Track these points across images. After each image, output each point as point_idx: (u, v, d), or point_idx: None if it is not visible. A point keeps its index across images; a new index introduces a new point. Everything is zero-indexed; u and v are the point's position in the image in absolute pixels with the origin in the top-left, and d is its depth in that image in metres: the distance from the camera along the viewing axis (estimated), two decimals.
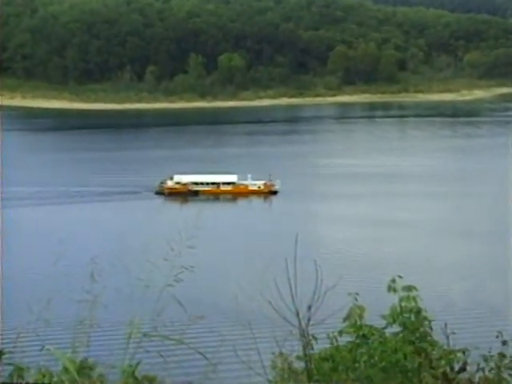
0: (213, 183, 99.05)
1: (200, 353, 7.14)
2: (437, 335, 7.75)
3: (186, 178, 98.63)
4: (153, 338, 6.78)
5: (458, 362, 7.59)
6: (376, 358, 7.49)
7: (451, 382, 7.52)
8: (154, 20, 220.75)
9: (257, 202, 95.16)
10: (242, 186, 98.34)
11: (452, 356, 7.56)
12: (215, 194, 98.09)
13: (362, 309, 7.74)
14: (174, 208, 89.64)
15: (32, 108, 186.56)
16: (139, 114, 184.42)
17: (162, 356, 7.52)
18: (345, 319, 7.74)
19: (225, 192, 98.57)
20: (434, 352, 7.56)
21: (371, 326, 7.67)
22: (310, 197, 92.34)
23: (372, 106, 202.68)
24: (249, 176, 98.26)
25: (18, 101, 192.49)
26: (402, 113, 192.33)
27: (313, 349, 7.60)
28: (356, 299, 7.78)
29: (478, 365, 7.73)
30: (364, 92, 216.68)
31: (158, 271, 8.37)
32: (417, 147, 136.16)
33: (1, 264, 41.57)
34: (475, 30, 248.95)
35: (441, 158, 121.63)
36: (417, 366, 7.47)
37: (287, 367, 8.06)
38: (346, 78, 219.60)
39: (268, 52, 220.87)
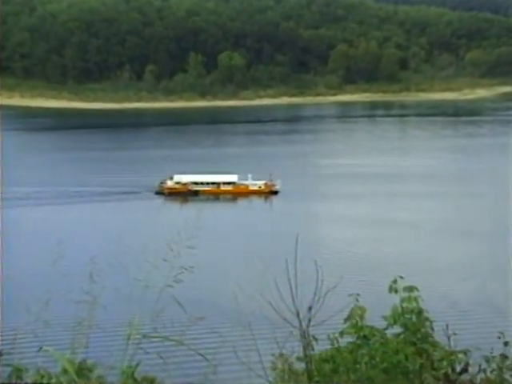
0: (213, 183, 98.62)
1: (200, 354, 7.10)
2: (438, 336, 7.69)
3: (186, 178, 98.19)
4: (152, 339, 6.77)
5: (459, 363, 7.56)
6: (377, 359, 7.46)
7: (453, 383, 7.51)
8: (153, 19, 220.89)
9: (257, 202, 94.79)
10: (242, 186, 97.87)
11: (454, 357, 7.52)
12: (215, 194, 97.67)
13: (362, 309, 7.72)
14: (174, 208, 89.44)
15: (30, 107, 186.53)
16: (138, 113, 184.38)
17: (161, 357, 7.49)
18: (346, 320, 7.71)
19: (225, 192, 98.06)
20: (435, 353, 7.53)
21: (372, 327, 7.64)
22: (311, 197, 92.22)
23: (373, 105, 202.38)
24: (249, 176, 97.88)
25: (16, 100, 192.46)
26: (403, 112, 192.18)
27: (313, 350, 7.57)
28: (357, 300, 7.74)
29: (480, 366, 7.69)
30: (365, 91, 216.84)
31: (157, 272, 8.35)
32: (418, 147, 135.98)
33: (1, 264, 41.66)
34: (477, 28, 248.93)
35: (442, 158, 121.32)
36: (418, 367, 7.44)
37: (287, 368, 8.03)
38: (347, 77, 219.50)
39: (268, 51, 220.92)
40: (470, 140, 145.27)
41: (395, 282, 7.71)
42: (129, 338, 6.73)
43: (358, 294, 7.81)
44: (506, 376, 7.74)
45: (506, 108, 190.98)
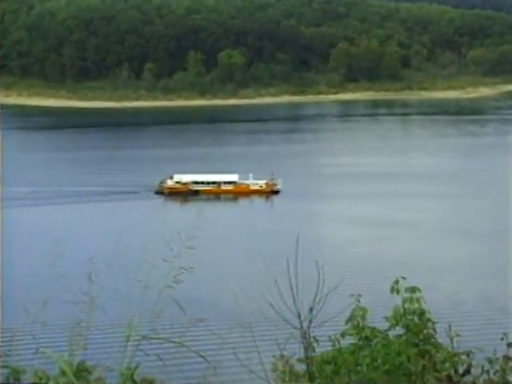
0: (213, 182, 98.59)
1: (201, 356, 7.09)
2: (440, 337, 7.64)
3: (186, 178, 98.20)
4: (152, 341, 6.78)
5: (462, 364, 7.52)
6: (379, 361, 7.42)
7: None
8: (152, 17, 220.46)
9: (258, 201, 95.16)
10: (243, 186, 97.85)
11: (456, 358, 7.49)
12: (216, 194, 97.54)
13: (364, 310, 7.66)
14: (174, 208, 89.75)
15: (28, 106, 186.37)
16: (137, 112, 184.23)
17: (160, 359, 7.52)
18: (347, 321, 7.66)
19: (226, 191, 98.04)
20: (437, 354, 7.49)
21: (374, 328, 7.60)
22: (313, 196, 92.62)
23: (375, 104, 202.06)
24: (250, 175, 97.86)
25: (13, 99, 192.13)
26: (405, 111, 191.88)
27: (314, 351, 7.55)
28: (358, 300, 7.69)
29: (483, 367, 7.63)
30: (367, 89, 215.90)
31: (157, 272, 8.29)
32: (420, 146, 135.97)
33: (1, 264, 41.80)
34: (480, 26, 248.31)
35: (445, 157, 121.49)
36: (420, 368, 7.44)
37: (288, 370, 7.99)
38: (349, 75, 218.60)
39: (269, 49, 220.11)
40: (472, 139, 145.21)
41: (397, 282, 7.66)
42: (128, 340, 6.72)
43: (360, 295, 7.75)
44: (509, 378, 7.68)
45: (509, 106, 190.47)
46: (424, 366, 7.41)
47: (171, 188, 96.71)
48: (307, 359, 7.52)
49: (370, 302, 7.96)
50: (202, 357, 7.19)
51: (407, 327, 7.53)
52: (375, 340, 7.53)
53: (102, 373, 7.28)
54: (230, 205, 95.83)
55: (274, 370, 8.07)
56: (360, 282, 49.09)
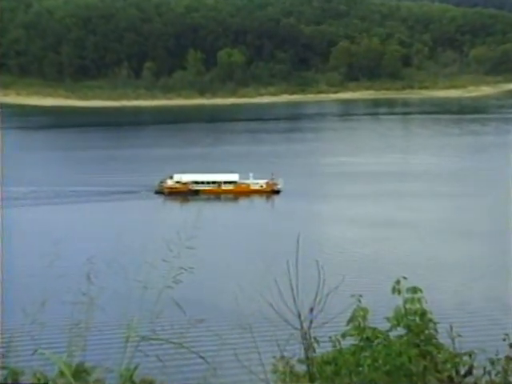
0: (214, 182, 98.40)
1: (201, 356, 7.09)
2: (442, 338, 7.57)
3: (186, 177, 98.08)
4: (151, 341, 6.81)
5: (463, 365, 7.48)
6: (380, 362, 7.39)
7: None
8: (151, 15, 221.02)
9: (259, 201, 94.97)
10: (243, 185, 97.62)
11: (458, 359, 7.46)
12: (216, 194, 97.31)
13: (365, 311, 7.62)
14: (174, 208, 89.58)
15: (27, 105, 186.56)
16: (137, 111, 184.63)
17: (160, 360, 7.54)
18: (348, 321, 7.63)
19: (226, 191, 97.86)
20: (439, 355, 7.46)
21: (375, 329, 7.56)
22: (313, 196, 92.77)
23: (376, 103, 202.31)
24: (251, 175, 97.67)
25: (12, 98, 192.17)
26: (406, 110, 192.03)
27: (315, 352, 7.52)
28: (359, 301, 7.66)
29: (485, 368, 7.61)
30: (367, 88, 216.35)
31: (156, 272, 8.26)
32: (421, 145, 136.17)
33: (1, 265, 42.00)
34: (482, 24, 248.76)
35: (446, 157, 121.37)
36: (422, 369, 7.39)
37: (289, 371, 7.94)
38: (349, 74, 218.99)
39: (269, 48, 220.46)
40: (474, 138, 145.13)
41: (398, 282, 7.66)
42: (127, 340, 6.74)
43: (361, 295, 7.75)
44: (511, 379, 7.66)
45: (511, 105, 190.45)
46: (425, 367, 7.41)
47: (171, 188, 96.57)
48: (308, 360, 7.53)
49: (370, 303, 7.92)
50: (202, 358, 7.16)
51: (408, 328, 7.53)
52: (376, 341, 7.51)
53: (101, 374, 7.30)
54: (230, 205, 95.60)
55: (275, 371, 8.01)
56: (361, 282, 49.21)
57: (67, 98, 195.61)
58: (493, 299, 53.63)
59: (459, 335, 7.74)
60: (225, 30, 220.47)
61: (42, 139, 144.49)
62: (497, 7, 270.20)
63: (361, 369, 7.45)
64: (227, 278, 55.66)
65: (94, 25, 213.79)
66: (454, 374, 7.46)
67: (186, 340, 7.01)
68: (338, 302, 7.62)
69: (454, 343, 7.66)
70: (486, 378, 7.63)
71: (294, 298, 7.40)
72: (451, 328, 7.70)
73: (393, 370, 7.37)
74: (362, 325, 7.59)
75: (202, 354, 7.14)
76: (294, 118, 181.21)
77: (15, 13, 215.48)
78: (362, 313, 7.62)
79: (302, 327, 7.39)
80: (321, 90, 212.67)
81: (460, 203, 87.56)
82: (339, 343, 7.66)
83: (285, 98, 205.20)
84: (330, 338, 7.71)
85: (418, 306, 7.55)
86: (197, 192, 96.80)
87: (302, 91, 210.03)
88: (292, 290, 7.42)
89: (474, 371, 7.55)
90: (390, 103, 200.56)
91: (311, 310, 7.39)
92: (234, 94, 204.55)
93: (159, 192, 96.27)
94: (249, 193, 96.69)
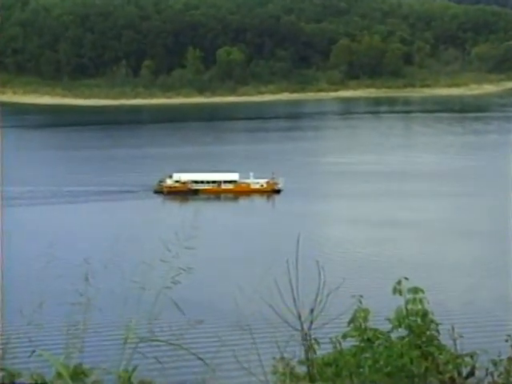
0: (213, 182, 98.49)
1: (200, 358, 7.13)
2: (444, 339, 7.56)
3: (185, 177, 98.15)
4: (149, 343, 6.87)
5: (465, 366, 7.49)
6: (381, 363, 7.40)
7: None
8: (150, 12, 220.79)
9: (259, 201, 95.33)
10: (243, 185, 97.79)
11: (460, 360, 7.47)
12: (216, 193, 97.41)
13: (366, 312, 7.62)
14: (174, 207, 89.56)
15: (23, 104, 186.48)
16: (135, 109, 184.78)
17: (159, 361, 7.62)
18: (349, 322, 7.66)
19: (226, 191, 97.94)
20: (441, 356, 7.45)
21: (376, 330, 7.55)
22: (314, 196, 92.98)
23: (377, 102, 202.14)
24: (251, 174, 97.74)
25: (8, 96, 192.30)
26: (407, 108, 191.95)
27: (315, 353, 7.57)
28: (360, 302, 7.65)
29: (487, 369, 7.62)
30: (368, 87, 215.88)
31: (155, 273, 8.23)
32: (423, 144, 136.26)
33: (1, 265, 41.97)
34: (484, 21, 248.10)
35: (448, 156, 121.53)
36: (423, 370, 7.40)
37: (289, 372, 7.91)
38: (350, 72, 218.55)
39: (269, 45, 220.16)
40: (476, 137, 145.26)
41: (399, 283, 7.53)
42: (125, 342, 6.74)
43: (361, 296, 7.64)
44: None
45: None
46: (427, 368, 7.40)
47: (170, 187, 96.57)
48: (308, 361, 7.55)
49: (371, 303, 7.87)
50: (201, 359, 7.16)
51: (410, 328, 7.49)
52: (377, 342, 7.50)
53: (99, 375, 7.31)
54: (230, 204, 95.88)
55: (275, 373, 7.91)
56: (361, 282, 49.20)
57: (65, 96, 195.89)
58: (494, 299, 53.69)
59: (461, 336, 7.67)
60: (224, 28, 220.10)
61: (39, 138, 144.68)
62: (499, 4, 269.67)
63: (362, 370, 7.44)
64: (226, 279, 55.66)
65: (92, 22, 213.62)
66: (455, 375, 7.46)
67: (184, 341, 7.07)
68: (338, 303, 7.49)
69: (455, 344, 7.62)
70: (489, 379, 7.65)
71: (294, 299, 7.38)
72: (453, 329, 7.63)
73: (394, 372, 7.37)
74: (362, 326, 7.56)
75: (200, 356, 7.13)
76: (294, 116, 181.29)
77: (12, 10, 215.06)
78: (362, 314, 7.59)
79: (302, 328, 7.39)
80: (321, 88, 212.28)
81: (461, 203, 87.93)
82: (340, 344, 7.65)
83: (285, 96, 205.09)
84: (331, 339, 7.71)
85: (419, 306, 7.48)
86: (196, 191, 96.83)
87: (303, 89, 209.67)
88: (292, 290, 7.40)
89: (476, 372, 7.54)
90: (391, 101, 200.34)
91: (311, 310, 7.39)
92: (233, 92, 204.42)
93: (158, 191, 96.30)
94: (249, 192, 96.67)
